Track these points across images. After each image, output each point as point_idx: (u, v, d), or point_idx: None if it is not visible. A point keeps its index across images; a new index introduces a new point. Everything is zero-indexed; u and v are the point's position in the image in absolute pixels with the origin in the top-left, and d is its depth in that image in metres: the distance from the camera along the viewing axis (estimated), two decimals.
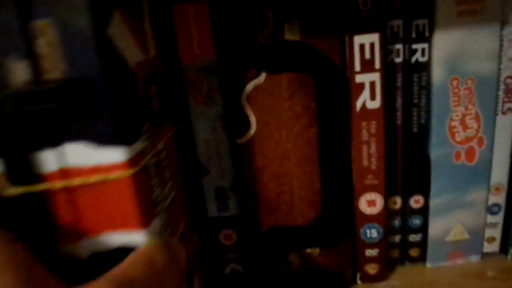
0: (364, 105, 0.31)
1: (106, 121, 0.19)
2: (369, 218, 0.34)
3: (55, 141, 0.20)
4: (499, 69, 0.33)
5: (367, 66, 0.30)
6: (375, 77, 0.30)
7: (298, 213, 0.34)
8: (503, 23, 0.32)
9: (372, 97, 0.30)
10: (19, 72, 0.20)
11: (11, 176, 0.20)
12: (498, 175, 0.35)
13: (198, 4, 0.28)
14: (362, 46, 0.29)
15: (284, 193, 0.33)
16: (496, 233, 0.37)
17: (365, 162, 0.32)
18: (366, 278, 0.36)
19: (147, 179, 0.22)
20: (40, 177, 0.20)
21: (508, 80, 0.33)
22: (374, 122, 0.31)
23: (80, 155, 0.20)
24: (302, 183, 0.33)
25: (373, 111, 0.31)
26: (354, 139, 0.32)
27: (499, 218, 0.37)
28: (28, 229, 0.21)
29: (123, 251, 0.20)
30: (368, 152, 0.32)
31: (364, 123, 0.31)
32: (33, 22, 0.19)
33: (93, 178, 0.20)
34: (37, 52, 0.19)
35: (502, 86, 0.33)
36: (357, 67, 0.30)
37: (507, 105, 0.34)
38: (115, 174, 0.20)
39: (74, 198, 0.21)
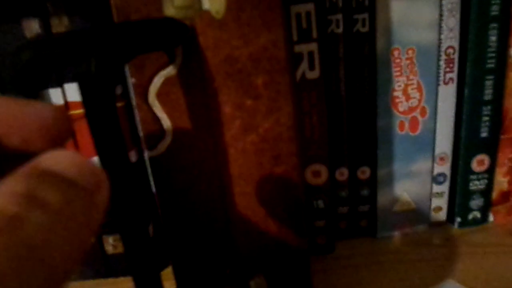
0: (303, 75, 0.31)
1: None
2: (315, 189, 0.34)
3: (60, 81, 0.30)
4: (440, 39, 0.33)
5: (305, 36, 0.30)
6: (313, 47, 0.30)
7: None
8: None
9: (311, 67, 0.31)
10: (32, 27, 0.29)
11: None
12: (442, 145, 0.36)
13: None
14: (298, 16, 0.29)
15: None
16: (443, 202, 0.38)
17: (308, 133, 0.33)
18: (315, 249, 0.37)
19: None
20: None
21: (449, 50, 0.33)
22: (314, 93, 0.31)
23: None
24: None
25: (313, 81, 0.31)
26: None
27: (444, 188, 0.38)
28: None
29: None
30: (310, 122, 0.32)
31: (304, 94, 0.31)
32: None
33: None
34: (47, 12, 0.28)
35: (444, 56, 0.33)
36: (295, 36, 0.30)
37: (448, 75, 0.34)
38: None
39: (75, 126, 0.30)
